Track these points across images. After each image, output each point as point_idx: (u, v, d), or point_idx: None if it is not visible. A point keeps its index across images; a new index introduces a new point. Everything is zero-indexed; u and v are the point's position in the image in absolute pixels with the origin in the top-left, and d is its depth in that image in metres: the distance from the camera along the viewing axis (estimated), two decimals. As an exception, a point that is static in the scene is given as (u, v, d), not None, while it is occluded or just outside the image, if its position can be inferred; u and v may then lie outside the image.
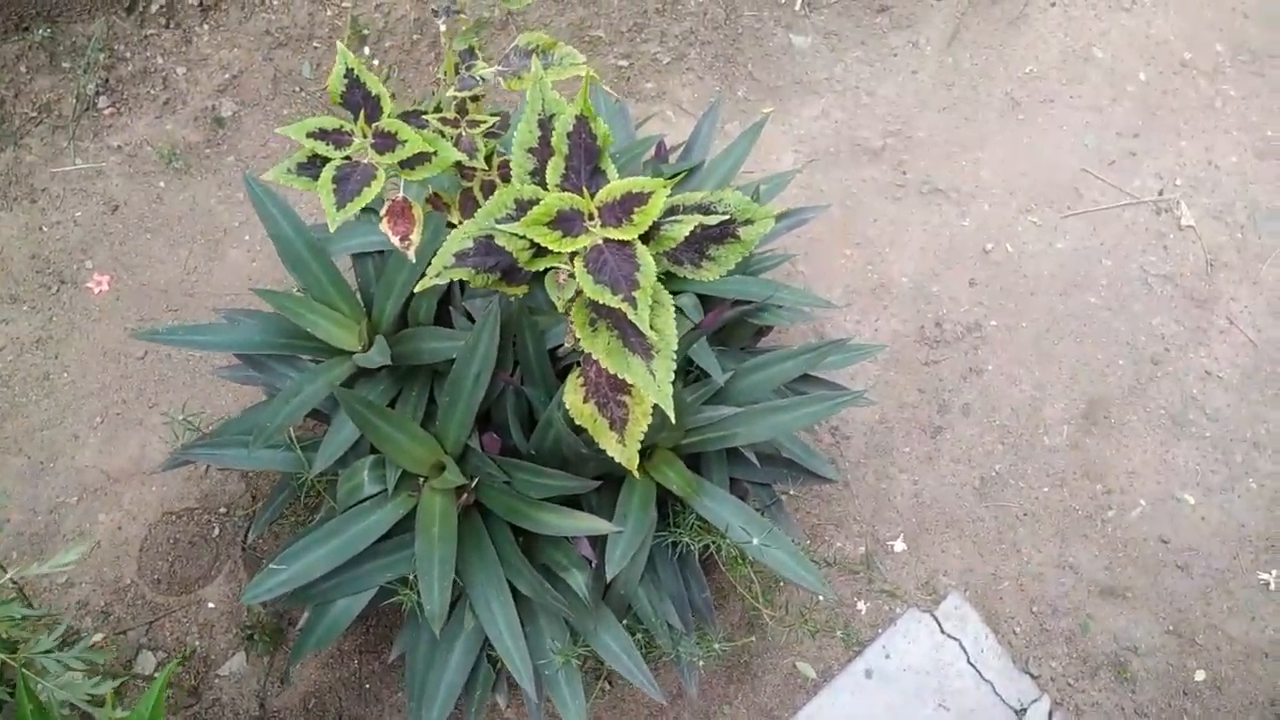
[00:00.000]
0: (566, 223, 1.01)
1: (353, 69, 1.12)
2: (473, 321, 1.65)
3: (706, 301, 1.76)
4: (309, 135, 1.10)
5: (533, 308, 1.61)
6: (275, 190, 1.70)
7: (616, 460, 1.14)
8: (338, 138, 1.11)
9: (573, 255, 1.03)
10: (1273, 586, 2.24)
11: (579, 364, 1.64)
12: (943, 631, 2.15)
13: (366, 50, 2.64)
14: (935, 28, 2.87)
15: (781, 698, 2.10)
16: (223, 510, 2.20)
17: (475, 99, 1.19)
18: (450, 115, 1.18)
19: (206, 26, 2.62)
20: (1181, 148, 2.75)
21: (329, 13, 2.63)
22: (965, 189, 2.66)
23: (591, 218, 1.02)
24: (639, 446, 1.14)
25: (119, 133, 2.55)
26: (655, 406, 1.14)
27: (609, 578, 1.48)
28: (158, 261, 2.46)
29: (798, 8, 2.64)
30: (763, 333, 1.94)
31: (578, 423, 1.16)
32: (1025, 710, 2.08)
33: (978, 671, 2.11)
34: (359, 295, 1.75)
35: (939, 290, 2.53)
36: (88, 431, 2.27)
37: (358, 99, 1.12)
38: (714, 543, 1.68)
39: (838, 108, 2.75)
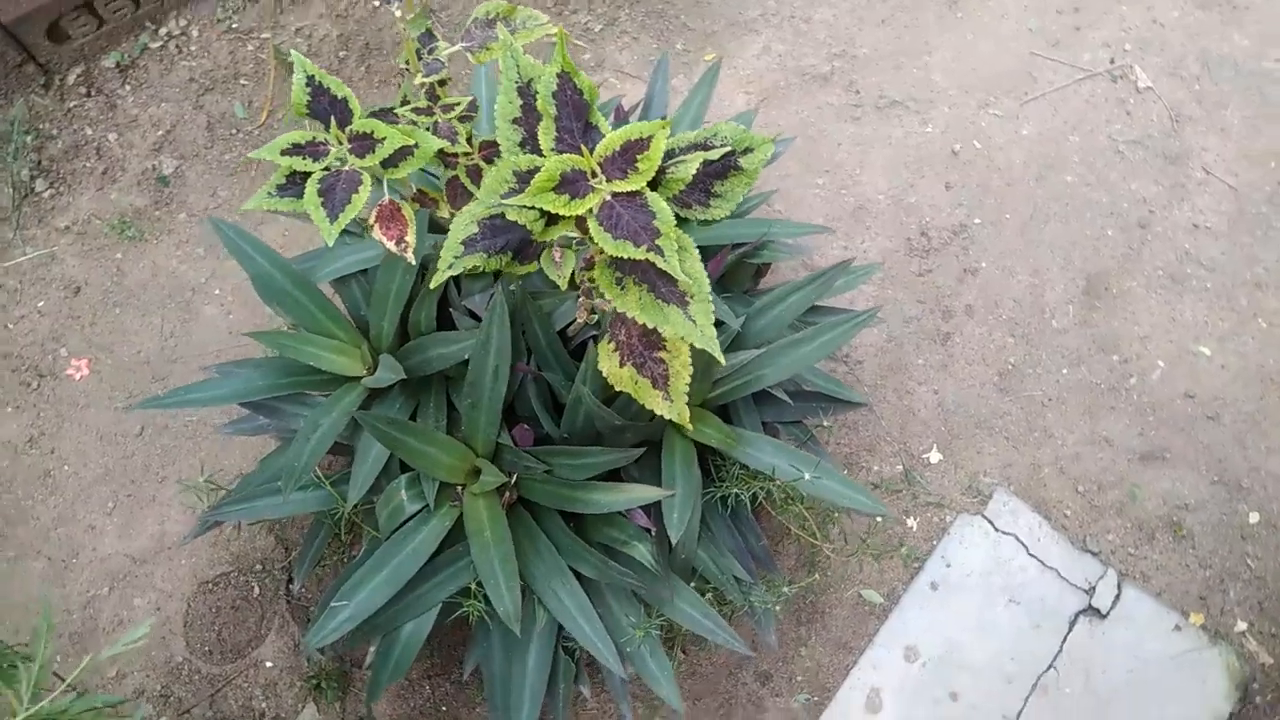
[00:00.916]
0: (571, 185, 0.97)
1: (314, 76, 1.07)
2: (476, 319, 1.61)
3: (703, 253, 1.73)
4: (283, 153, 1.06)
5: (534, 292, 1.58)
6: (246, 229, 1.64)
7: (667, 417, 1.11)
8: (313, 150, 1.07)
9: (582, 218, 1.00)
10: (1303, 418, 2.25)
11: (594, 338, 1.61)
12: (997, 530, 2.14)
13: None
14: (856, -58, 2.84)
15: (854, 628, 2.09)
16: (258, 568, 2.16)
17: (442, 83, 1.14)
18: (421, 104, 1.14)
19: (128, 87, 2.54)
20: (1123, 12, 2.74)
21: (250, 47, 2.56)
22: (921, 96, 2.64)
23: (594, 175, 0.99)
24: (685, 400, 1.11)
25: (63, 213, 2.48)
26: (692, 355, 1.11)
27: (673, 541, 1.45)
28: (132, 334, 2.39)
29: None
30: (761, 273, 1.91)
31: (618, 389, 1.13)
32: (1094, 588, 2.08)
33: (1040, 561, 2.11)
34: (351, 319, 1.71)
35: (917, 200, 2.51)
36: (102, 519, 2.21)
37: (324, 106, 1.08)
38: (762, 488, 1.66)
39: (778, 40, 2.71)
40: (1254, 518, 2.17)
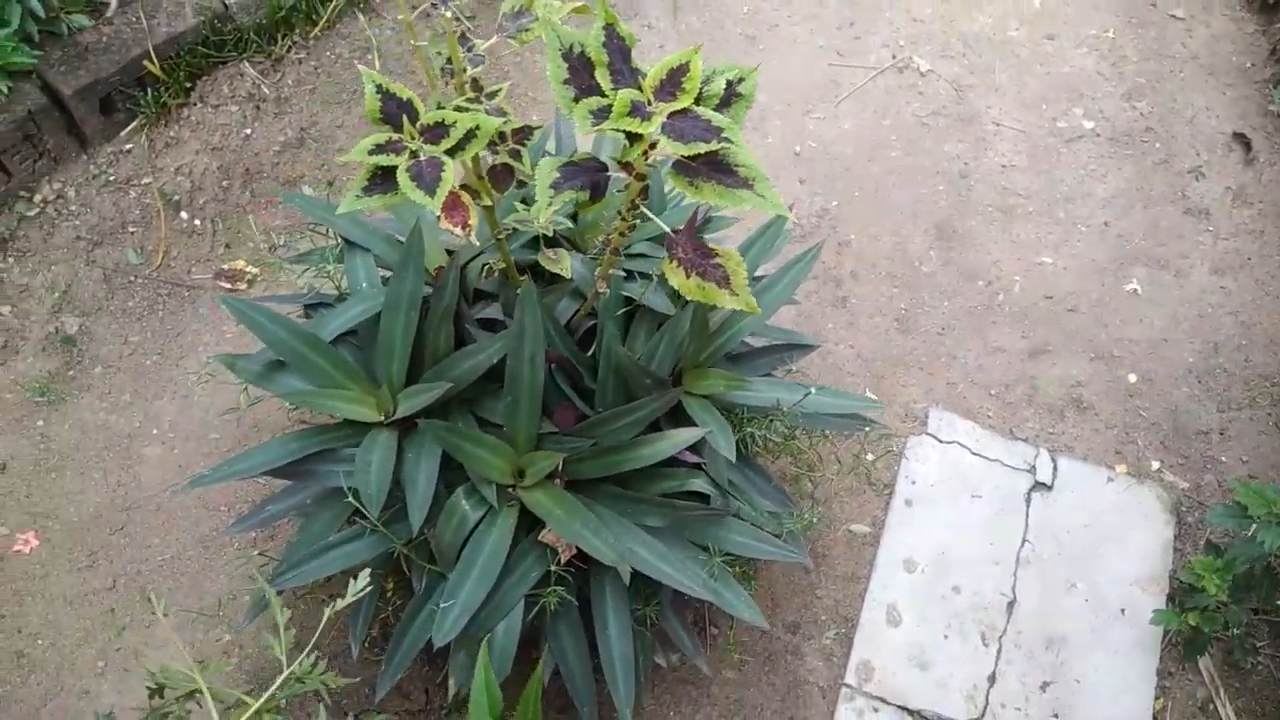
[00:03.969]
0: (638, 111, 1.17)
1: (381, 84, 1.22)
2: (489, 330, 1.74)
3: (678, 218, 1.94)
4: (370, 153, 1.19)
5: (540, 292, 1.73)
6: (256, 302, 1.71)
7: (738, 309, 1.30)
8: (393, 147, 1.21)
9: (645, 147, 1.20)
10: (1139, 291, 2.70)
11: (593, 328, 1.77)
12: (941, 442, 2.42)
13: (184, 215, 2.62)
14: (656, 6, 3.23)
15: (854, 559, 2.29)
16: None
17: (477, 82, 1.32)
18: (469, 95, 1.30)
19: (11, 259, 2.50)
20: (889, 18, 3.26)
21: (132, 195, 2.59)
22: (752, 115, 3.01)
23: (649, 103, 1.19)
24: (748, 292, 1.31)
25: (-31, 395, 2.39)
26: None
27: (731, 458, 1.62)
28: (76, 494, 2.31)
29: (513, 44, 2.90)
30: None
31: (689, 297, 1.31)
32: (1034, 466, 2.39)
33: (984, 457, 2.40)
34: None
35: (780, 196, 2.84)
36: (95, 682, 2.10)
37: (394, 109, 1.23)
38: (768, 426, 1.85)
39: (619, 96, 3.03)
40: (1133, 378, 2.56)
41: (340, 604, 1.10)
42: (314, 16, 2.79)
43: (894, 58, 3.16)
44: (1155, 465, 2.43)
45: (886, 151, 2.96)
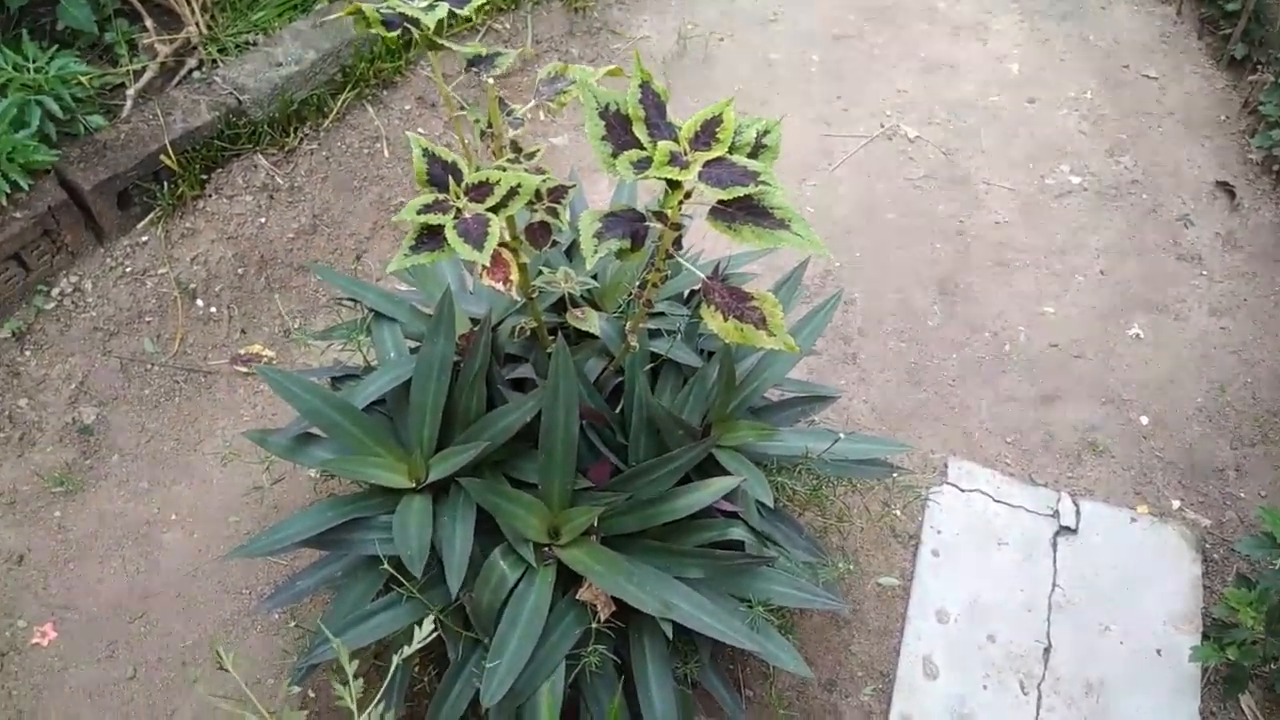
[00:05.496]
0: (676, 160, 1.22)
1: (428, 149, 1.27)
2: (519, 390, 1.76)
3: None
4: (419, 212, 1.23)
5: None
6: (292, 372, 1.73)
7: (777, 349, 1.33)
8: (440, 206, 1.25)
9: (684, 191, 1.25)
10: (1141, 335, 2.75)
11: (620, 385, 1.80)
12: (963, 490, 2.43)
13: (200, 302, 2.65)
14: (652, 87, 3.34)
15: (885, 613, 2.27)
16: (307, 764, 2.05)
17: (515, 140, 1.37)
18: (510, 155, 1.35)
19: (28, 352, 2.52)
20: (874, 90, 3.38)
21: (149, 285, 2.63)
22: (751, 185, 3.10)
23: (686, 152, 1.24)
24: (785, 332, 1.34)
25: (-14, 489, 2.37)
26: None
27: (770, 505, 1.62)
28: (95, 583, 2.28)
29: (543, 117, 3.00)
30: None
31: (727, 339, 1.34)
32: (1057, 511, 2.40)
33: (1007, 504, 2.41)
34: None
35: (783, 261, 2.90)
36: (119, 776, 2.04)
37: (439, 171, 1.27)
38: (796, 476, 1.86)
39: (621, 172, 3.11)
40: (1144, 420, 2.60)
41: (407, 650, 1.09)
42: (324, 109, 2.88)
43: (882, 126, 3.27)
44: (1176, 504, 2.45)
45: (883, 213, 3.03)
